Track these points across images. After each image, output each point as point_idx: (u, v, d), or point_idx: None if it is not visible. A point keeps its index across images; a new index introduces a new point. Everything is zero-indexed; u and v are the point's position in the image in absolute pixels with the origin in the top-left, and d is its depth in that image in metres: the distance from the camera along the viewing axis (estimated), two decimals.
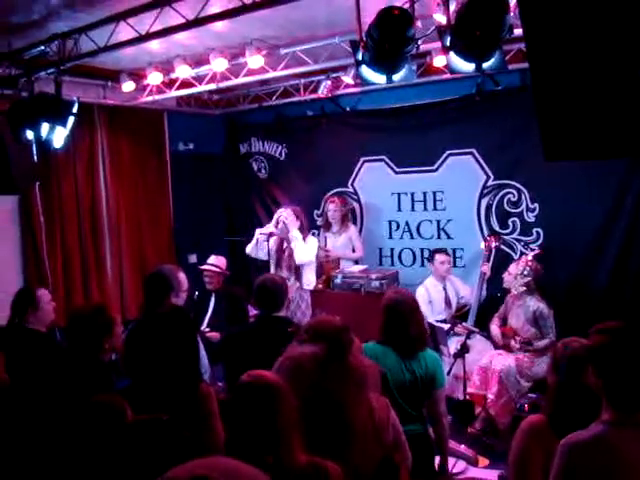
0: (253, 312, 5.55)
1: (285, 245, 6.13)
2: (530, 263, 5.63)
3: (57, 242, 6.95)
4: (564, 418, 2.55)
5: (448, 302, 6.43)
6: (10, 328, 4.38)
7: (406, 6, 3.77)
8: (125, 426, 2.33)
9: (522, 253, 6.56)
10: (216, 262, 6.43)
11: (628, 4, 2.43)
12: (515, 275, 5.63)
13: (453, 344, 5.75)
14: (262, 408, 2.13)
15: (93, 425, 2.32)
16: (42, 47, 5.28)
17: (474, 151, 7.01)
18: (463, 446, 5.12)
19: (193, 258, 8.22)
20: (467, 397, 5.50)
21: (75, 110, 5.57)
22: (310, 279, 6.29)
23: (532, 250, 6.41)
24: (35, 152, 5.91)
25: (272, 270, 6.08)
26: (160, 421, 2.32)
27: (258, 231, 6.41)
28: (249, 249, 6.44)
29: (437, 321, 6.07)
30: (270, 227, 6.36)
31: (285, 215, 6.17)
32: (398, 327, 3.63)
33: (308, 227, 6.60)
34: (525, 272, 5.56)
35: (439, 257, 6.55)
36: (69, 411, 2.57)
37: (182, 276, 4.64)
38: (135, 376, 2.95)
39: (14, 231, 6.74)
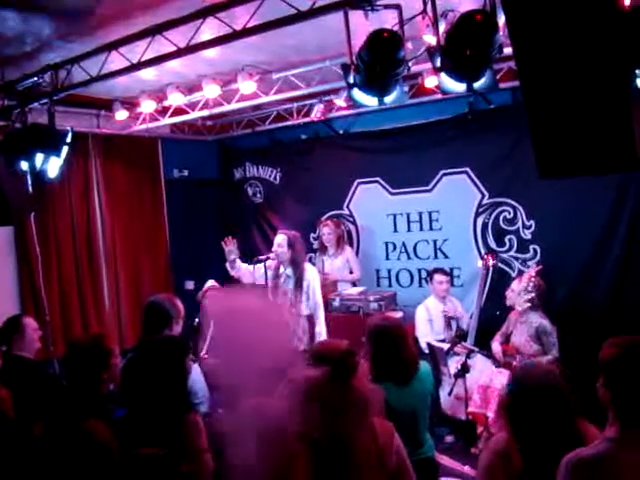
0: None
1: (282, 270, 6.02)
2: (533, 279, 5.63)
3: (53, 272, 6.93)
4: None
5: (448, 322, 6.39)
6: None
7: (396, 28, 3.78)
8: (119, 461, 2.30)
9: (520, 271, 6.54)
10: (214, 284, 6.43)
11: (615, 20, 2.45)
12: (519, 292, 5.64)
13: (453, 364, 5.71)
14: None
15: (81, 456, 2.30)
16: (35, 78, 5.28)
17: (468, 170, 7.02)
18: (467, 467, 5.06)
19: (190, 285, 8.18)
20: (469, 417, 5.45)
21: (69, 140, 5.57)
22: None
23: (529, 267, 6.40)
24: (30, 183, 5.90)
25: (270, 295, 5.98)
26: (157, 457, 2.28)
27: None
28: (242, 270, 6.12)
29: (437, 341, 6.04)
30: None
31: (279, 242, 5.96)
32: (390, 354, 3.58)
33: (305, 252, 6.43)
34: (529, 288, 5.56)
35: (437, 277, 6.52)
36: (60, 442, 2.55)
37: (179, 304, 4.63)
38: (129, 406, 2.94)
39: (10, 262, 6.72)
